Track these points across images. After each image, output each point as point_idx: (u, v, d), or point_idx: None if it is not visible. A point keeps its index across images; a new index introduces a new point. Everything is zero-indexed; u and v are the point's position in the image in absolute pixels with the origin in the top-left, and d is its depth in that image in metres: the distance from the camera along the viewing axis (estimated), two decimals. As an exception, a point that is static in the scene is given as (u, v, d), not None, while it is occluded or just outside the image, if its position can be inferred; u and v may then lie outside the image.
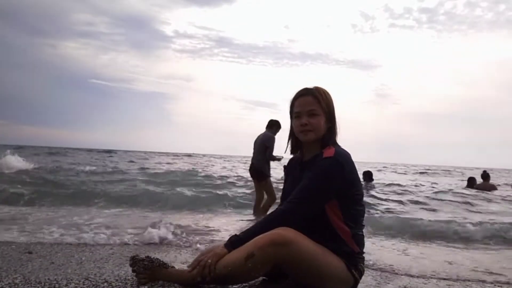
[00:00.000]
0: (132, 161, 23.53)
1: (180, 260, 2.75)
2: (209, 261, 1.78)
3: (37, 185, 8.28)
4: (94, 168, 13.92)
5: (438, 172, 31.36)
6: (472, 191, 10.36)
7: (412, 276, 2.63)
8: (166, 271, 1.90)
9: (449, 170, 37.00)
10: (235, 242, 1.82)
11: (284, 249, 1.73)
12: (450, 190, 10.71)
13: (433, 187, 12.35)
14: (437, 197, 9.15)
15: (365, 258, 2.00)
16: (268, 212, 5.98)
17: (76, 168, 13.66)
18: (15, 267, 2.28)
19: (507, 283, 2.59)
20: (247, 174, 7.76)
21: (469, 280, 2.60)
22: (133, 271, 1.92)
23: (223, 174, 13.95)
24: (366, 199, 6.97)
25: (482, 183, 11.10)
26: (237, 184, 10.70)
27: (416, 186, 12.66)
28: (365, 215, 2.01)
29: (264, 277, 1.98)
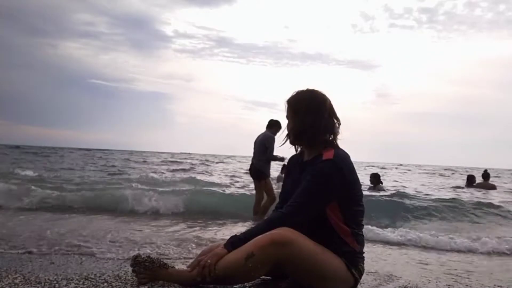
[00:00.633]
0: (114, 165, 20.68)
1: (181, 261, 2.75)
2: (209, 261, 1.78)
3: None
4: (32, 172, 11.64)
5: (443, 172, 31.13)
6: (470, 189, 10.35)
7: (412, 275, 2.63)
8: (166, 271, 1.90)
9: (452, 170, 36.93)
10: (235, 242, 1.82)
11: (284, 249, 1.73)
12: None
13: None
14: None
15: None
16: (268, 212, 6.04)
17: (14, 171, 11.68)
18: (15, 267, 2.28)
19: None
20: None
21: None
22: (133, 271, 1.92)
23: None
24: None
25: (482, 182, 11.19)
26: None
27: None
28: None
29: (264, 277, 1.99)
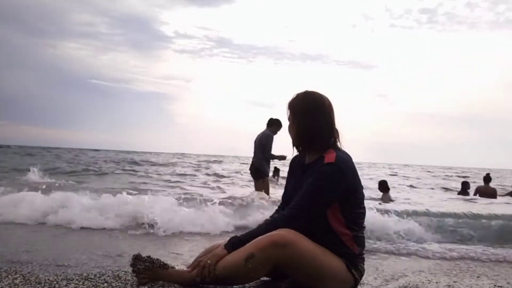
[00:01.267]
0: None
1: (181, 261, 2.75)
2: (209, 261, 1.78)
3: None
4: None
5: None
6: (466, 198, 9.42)
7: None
8: (166, 271, 1.90)
9: (454, 170, 36.70)
10: (235, 243, 1.82)
11: (285, 250, 1.73)
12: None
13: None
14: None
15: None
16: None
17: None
18: (15, 267, 2.28)
19: None
20: None
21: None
22: (133, 271, 1.92)
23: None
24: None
25: (483, 186, 10.49)
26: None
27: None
28: None
29: (264, 278, 1.99)
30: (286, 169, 2.32)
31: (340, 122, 2.02)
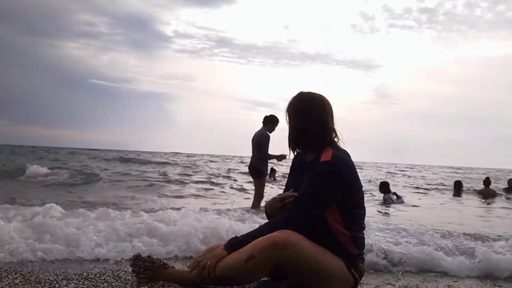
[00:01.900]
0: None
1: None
2: (209, 262, 1.78)
3: None
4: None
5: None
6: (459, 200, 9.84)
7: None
8: (166, 271, 1.90)
9: (456, 171, 36.76)
10: (235, 244, 1.82)
11: (285, 251, 1.73)
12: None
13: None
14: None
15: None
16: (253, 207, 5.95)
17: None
18: (15, 267, 2.28)
19: None
20: None
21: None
22: (133, 271, 1.92)
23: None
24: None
25: (484, 188, 11.09)
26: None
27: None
28: None
29: (264, 278, 1.99)
30: (283, 169, 2.32)
31: (340, 122, 2.02)
